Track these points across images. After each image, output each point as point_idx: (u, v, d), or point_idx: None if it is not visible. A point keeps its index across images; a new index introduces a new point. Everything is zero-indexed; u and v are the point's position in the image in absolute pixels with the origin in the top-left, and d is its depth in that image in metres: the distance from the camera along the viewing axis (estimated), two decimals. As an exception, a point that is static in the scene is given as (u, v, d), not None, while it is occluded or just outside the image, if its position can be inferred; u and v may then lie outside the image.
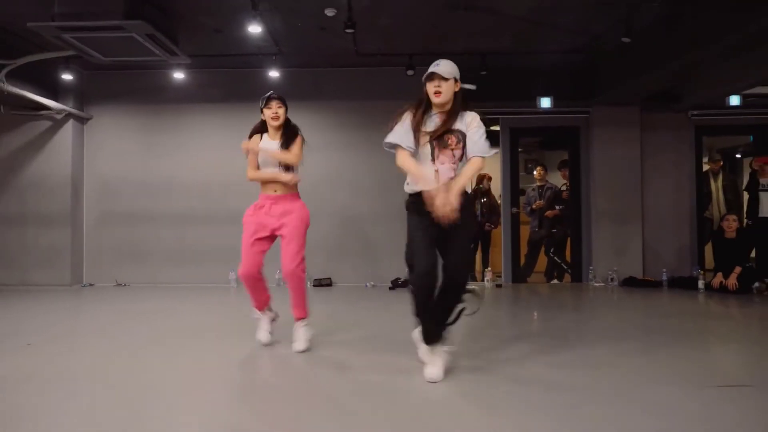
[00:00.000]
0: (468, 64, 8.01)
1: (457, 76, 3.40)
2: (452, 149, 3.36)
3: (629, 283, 8.21)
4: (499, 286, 8.24)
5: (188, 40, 6.78)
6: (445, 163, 3.35)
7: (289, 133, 4.18)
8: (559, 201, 8.99)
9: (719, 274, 7.50)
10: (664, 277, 8.17)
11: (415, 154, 3.39)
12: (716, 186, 9.05)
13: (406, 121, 3.42)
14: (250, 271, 4.03)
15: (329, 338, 4.56)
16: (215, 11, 6.17)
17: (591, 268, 8.51)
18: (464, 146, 3.40)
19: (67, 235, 8.19)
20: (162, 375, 3.62)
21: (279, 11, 6.17)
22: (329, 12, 6.17)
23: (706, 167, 9.12)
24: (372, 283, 8.22)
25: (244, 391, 3.37)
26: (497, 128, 8.83)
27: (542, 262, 9.14)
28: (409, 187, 3.46)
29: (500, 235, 8.96)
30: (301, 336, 4.12)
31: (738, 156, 10.87)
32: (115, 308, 6.45)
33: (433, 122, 3.41)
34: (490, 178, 9.57)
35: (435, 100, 3.36)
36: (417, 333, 3.66)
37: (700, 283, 7.63)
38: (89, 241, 8.52)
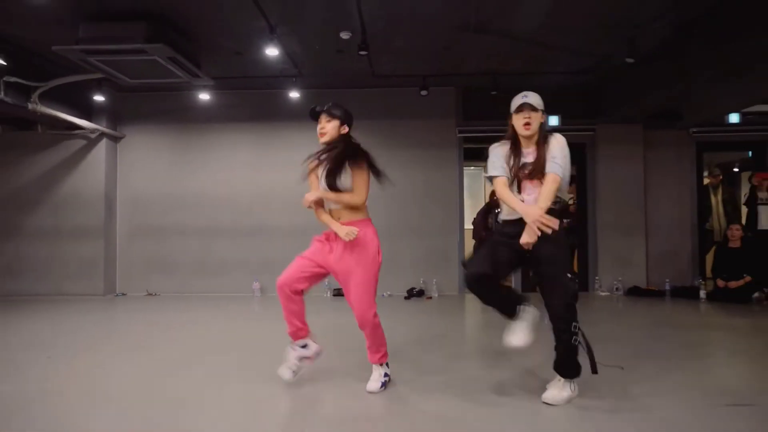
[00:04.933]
0: (480, 84, 7.71)
1: (543, 108, 3.09)
2: (540, 179, 3.04)
3: (633, 292, 7.73)
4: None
5: (211, 62, 6.35)
6: (531, 194, 3.05)
7: (338, 156, 3.20)
8: (567, 215, 8.46)
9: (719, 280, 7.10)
10: (667, 287, 7.62)
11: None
12: (716, 199, 8.51)
13: (499, 152, 3.14)
14: (284, 282, 3.18)
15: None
16: (235, 35, 5.70)
17: (597, 278, 8.00)
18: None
19: (100, 247, 7.77)
20: (191, 394, 3.26)
21: (296, 34, 5.73)
22: (344, 35, 5.72)
23: (706, 181, 8.60)
24: (388, 292, 7.73)
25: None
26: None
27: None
28: (503, 216, 3.20)
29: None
30: (374, 377, 3.32)
31: (736, 170, 10.24)
32: (145, 318, 6.21)
33: (524, 155, 3.10)
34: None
35: (524, 132, 3.04)
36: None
37: (702, 293, 7.19)
38: (122, 252, 8.11)
